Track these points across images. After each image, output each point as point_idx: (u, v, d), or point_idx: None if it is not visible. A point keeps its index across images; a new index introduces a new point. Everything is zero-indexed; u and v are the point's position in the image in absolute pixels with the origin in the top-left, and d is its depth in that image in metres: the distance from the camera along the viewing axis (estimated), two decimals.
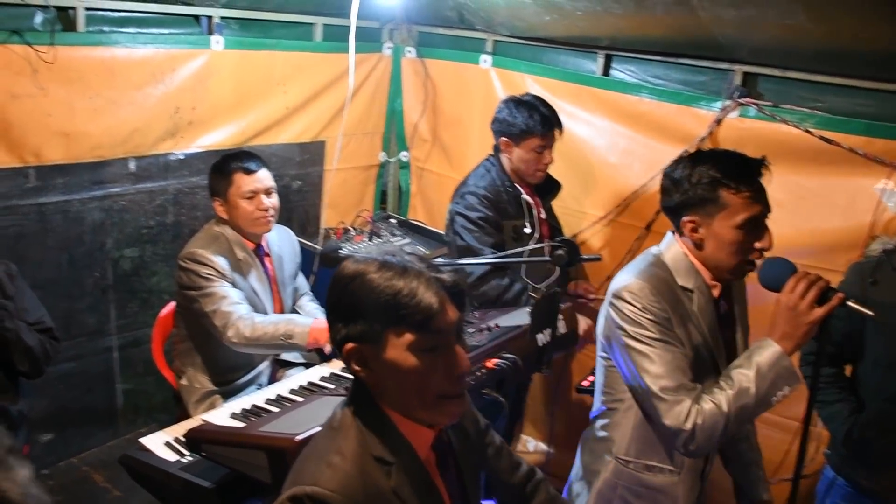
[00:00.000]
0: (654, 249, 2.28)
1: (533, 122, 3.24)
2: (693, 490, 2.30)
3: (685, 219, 2.16)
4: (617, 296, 2.17)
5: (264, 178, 3.08)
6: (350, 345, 1.51)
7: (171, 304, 3.39)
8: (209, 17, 3.81)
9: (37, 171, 3.35)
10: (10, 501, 0.85)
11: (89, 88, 3.42)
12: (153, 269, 3.90)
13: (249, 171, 3.04)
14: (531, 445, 4.23)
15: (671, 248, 2.23)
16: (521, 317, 2.79)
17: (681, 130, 3.43)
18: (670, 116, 3.48)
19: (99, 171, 3.57)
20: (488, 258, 3.07)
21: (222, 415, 2.40)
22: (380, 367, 1.50)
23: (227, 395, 3.11)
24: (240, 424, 2.27)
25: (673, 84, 3.54)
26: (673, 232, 2.26)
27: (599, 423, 2.38)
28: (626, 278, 2.18)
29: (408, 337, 1.46)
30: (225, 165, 3.09)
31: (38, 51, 3.16)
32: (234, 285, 3.02)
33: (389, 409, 1.55)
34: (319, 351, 3.09)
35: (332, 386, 2.55)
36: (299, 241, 3.56)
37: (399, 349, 1.47)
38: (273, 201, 3.12)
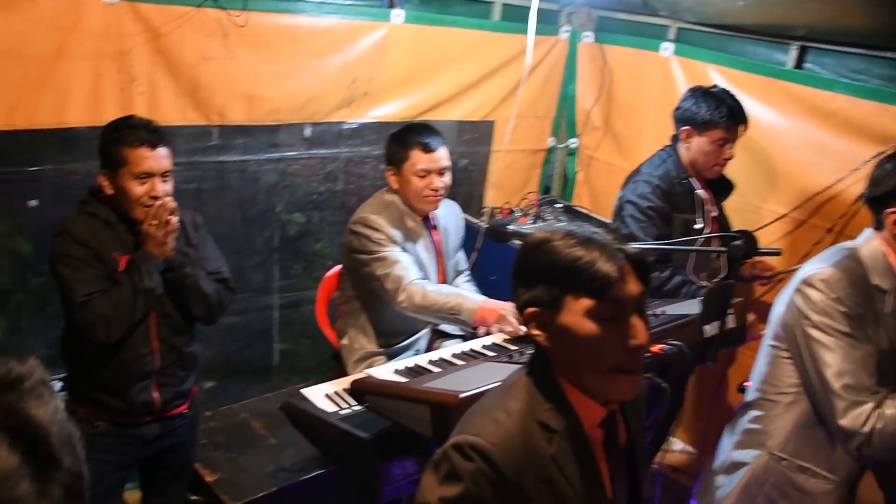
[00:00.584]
0: (848, 244, 2.15)
1: (718, 113, 3.12)
2: (843, 502, 2.16)
3: (889, 210, 2.00)
4: (807, 283, 2.05)
5: (441, 157, 3.10)
6: (531, 308, 1.57)
7: (337, 267, 3.47)
8: None
9: (220, 130, 3.51)
10: (38, 424, 0.88)
11: (273, 54, 3.54)
12: (318, 234, 4.01)
13: (428, 150, 3.07)
14: (677, 446, 4.09)
15: (869, 243, 2.09)
16: (689, 307, 2.69)
17: (878, 130, 3.19)
18: (868, 115, 3.24)
19: (276, 134, 3.70)
20: (661, 244, 2.96)
21: (386, 370, 2.47)
22: (557, 332, 1.53)
23: (388, 357, 3.18)
24: (403, 380, 2.32)
25: (874, 80, 3.29)
26: (873, 228, 2.10)
27: (752, 413, 2.27)
28: (819, 266, 2.05)
29: (585, 303, 1.49)
30: (405, 137, 3.12)
31: (231, 15, 3.30)
32: (404, 252, 3.07)
33: (563, 379, 1.57)
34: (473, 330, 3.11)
35: (493, 353, 2.57)
36: (464, 218, 3.57)
37: (576, 314, 1.50)
38: (445, 181, 3.14)
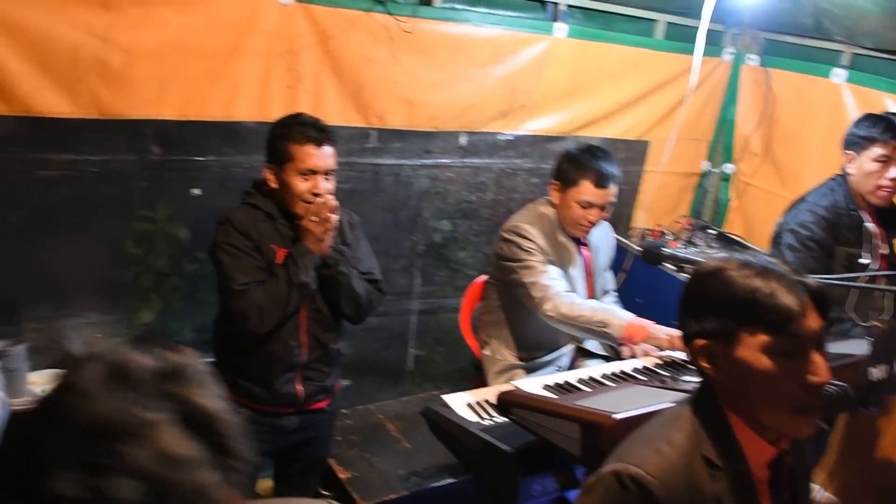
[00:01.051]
0: None
1: (877, 128, 2.97)
2: None
3: None
4: None
5: (610, 194, 3.04)
6: (701, 341, 1.49)
7: (483, 276, 3.47)
8: (555, 4, 3.84)
9: (378, 133, 3.57)
10: (207, 412, 0.88)
11: (435, 61, 3.58)
12: (464, 243, 4.01)
13: (601, 185, 3.00)
14: (819, 495, 3.86)
15: None
16: (854, 346, 2.54)
17: None
18: None
19: (432, 140, 3.73)
20: (820, 278, 2.80)
21: (534, 384, 2.45)
22: (729, 367, 1.45)
23: (528, 370, 3.14)
24: (552, 396, 2.30)
25: None
26: None
27: None
28: None
29: (762, 338, 1.41)
30: (582, 161, 3.04)
31: (399, 20, 3.34)
32: (553, 264, 3.03)
33: (732, 414, 1.49)
34: (615, 350, 3.04)
35: (644, 377, 2.52)
36: (616, 238, 3.50)
37: (752, 349, 1.42)
38: (605, 215, 3.11)
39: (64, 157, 3.05)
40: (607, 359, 3.19)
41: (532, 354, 3.19)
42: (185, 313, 3.47)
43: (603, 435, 1.88)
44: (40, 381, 3.16)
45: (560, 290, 2.93)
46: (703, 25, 3.65)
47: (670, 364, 2.66)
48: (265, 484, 3.28)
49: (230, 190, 3.27)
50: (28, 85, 2.90)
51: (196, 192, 3.30)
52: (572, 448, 2.00)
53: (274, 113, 2.99)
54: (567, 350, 3.26)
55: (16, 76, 2.87)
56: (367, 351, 3.93)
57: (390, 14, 3.34)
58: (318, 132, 2.61)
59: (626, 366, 2.66)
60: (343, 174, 3.47)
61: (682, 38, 4.10)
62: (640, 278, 3.84)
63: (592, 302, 3.02)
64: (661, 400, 1.96)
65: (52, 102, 2.95)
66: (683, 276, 3.74)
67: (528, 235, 3.02)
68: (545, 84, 3.89)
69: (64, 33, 2.88)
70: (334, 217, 2.60)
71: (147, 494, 0.78)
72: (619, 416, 1.91)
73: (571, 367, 3.26)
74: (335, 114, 3.38)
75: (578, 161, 3.04)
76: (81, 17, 2.88)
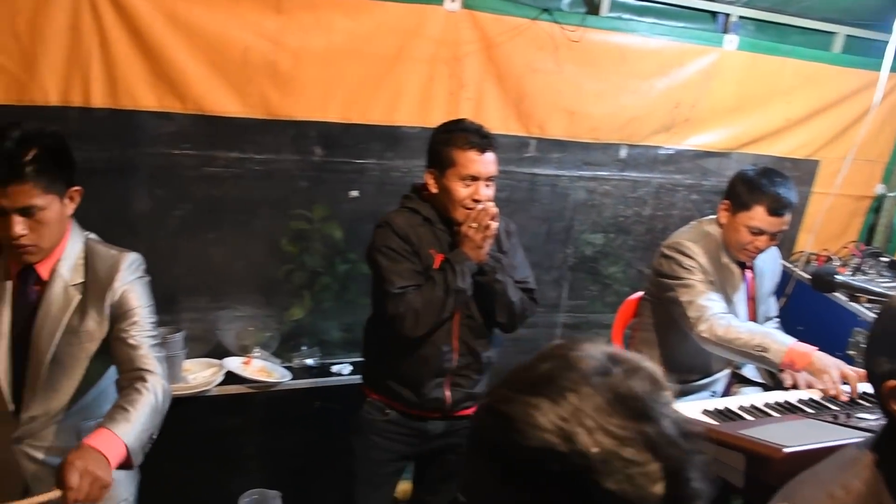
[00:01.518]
0: None
1: None
2: None
3: None
4: None
5: (784, 223, 2.88)
6: (892, 382, 1.36)
7: (638, 293, 3.36)
8: (727, 15, 3.69)
9: (538, 142, 3.51)
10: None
11: (600, 72, 3.50)
12: (616, 257, 3.91)
13: (776, 213, 2.84)
14: None
15: None
16: None
17: None
18: None
19: (591, 152, 3.65)
20: None
21: (693, 408, 2.35)
22: None
23: (681, 394, 3.00)
24: (713, 422, 2.20)
25: None
26: None
27: None
28: None
29: None
30: (758, 187, 2.87)
31: (565, 29, 3.28)
32: (712, 285, 2.90)
33: None
34: (774, 377, 2.88)
35: (812, 410, 2.37)
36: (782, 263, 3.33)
37: None
38: (774, 243, 2.95)
39: (231, 156, 3.15)
40: (765, 388, 3.03)
41: (684, 377, 3.05)
42: (334, 312, 3.53)
43: (771, 468, 1.79)
44: (194, 369, 3.28)
45: (717, 311, 2.79)
46: (894, 39, 3.40)
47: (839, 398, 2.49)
48: (404, 487, 3.28)
49: (387, 194, 3.30)
50: (202, 85, 3.01)
51: (354, 194, 3.34)
52: (734, 479, 1.91)
53: (435, 119, 2.98)
54: (722, 375, 3.12)
55: (191, 76, 2.98)
56: (511, 361, 3.82)
57: (557, 23, 3.29)
58: (481, 138, 2.58)
59: (791, 396, 2.51)
60: (500, 182, 3.40)
61: (861, 52, 3.87)
62: (803, 305, 3.64)
63: (751, 324, 2.86)
64: (834, 437, 1.84)
65: (223, 102, 3.05)
66: (854, 307, 3.52)
67: (689, 253, 2.90)
68: (711, 97, 3.74)
69: (237, 35, 2.98)
70: (494, 224, 2.56)
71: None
72: (789, 450, 1.81)
73: (726, 393, 3.12)
74: (496, 121, 3.35)
75: (754, 184, 2.88)
76: (254, 19, 2.98)
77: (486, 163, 2.58)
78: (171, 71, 2.95)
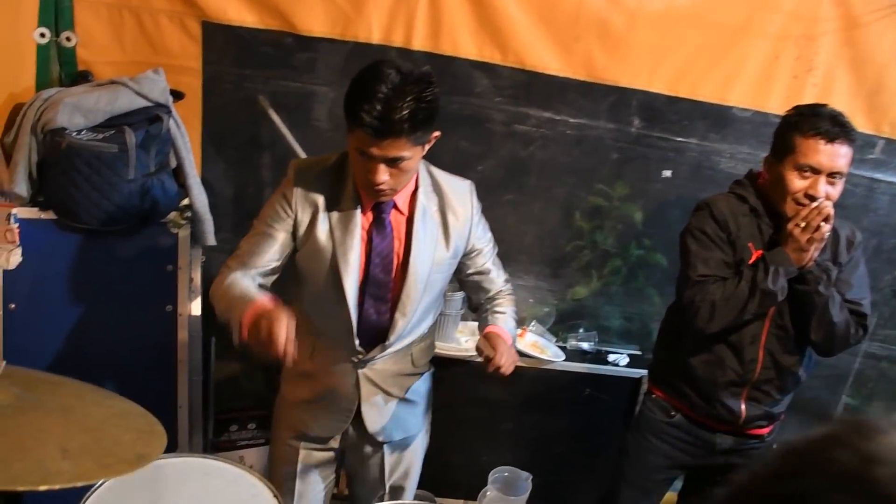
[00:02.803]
0: None
1: None
2: None
3: None
4: None
5: None
6: None
7: None
8: None
9: (885, 143, 3.05)
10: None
11: None
12: None
13: None
14: None
15: None
16: None
17: None
18: None
19: None
20: None
21: None
22: None
23: None
24: None
25: None
26: None
27: None
28: None
29: None
30: None
31: None
32: None
33: None
34: None
35: None
36: None
37: None
38: None
39: (543, 115, 2.99)
40: None
41: None
42: (619, 298, 3.31)
43: None
44: (466, 332, 3.18)
45: None
46: None
47: None
48: (670, 498, 2.99)
49: (703, 179, 3.01)
50: (526, 38, 2.86)
51: (666, 174, 3.08)
52: None
53: (772, 103, 2.67)
54: None
55: (517, 27, 2.84)
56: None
57: None
58: (833, 126, 2.19)
59: None
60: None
61: None
62: None
63: None
64: None
65: (546, 58, 2.89)
66: None
67: None
68: None
69: None
70: (826, 227, 2.19)
71: None
72: None
73: None
74: None
75: None
76: None
77: (832, 155, 2.19)
78: (498, 20, 2.82)
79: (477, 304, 2.30)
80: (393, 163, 1.85)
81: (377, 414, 2.21)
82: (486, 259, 2.23)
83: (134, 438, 1.30)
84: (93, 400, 1.38)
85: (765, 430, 2.53)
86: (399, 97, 1.76)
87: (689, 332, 2.41)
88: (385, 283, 2.07)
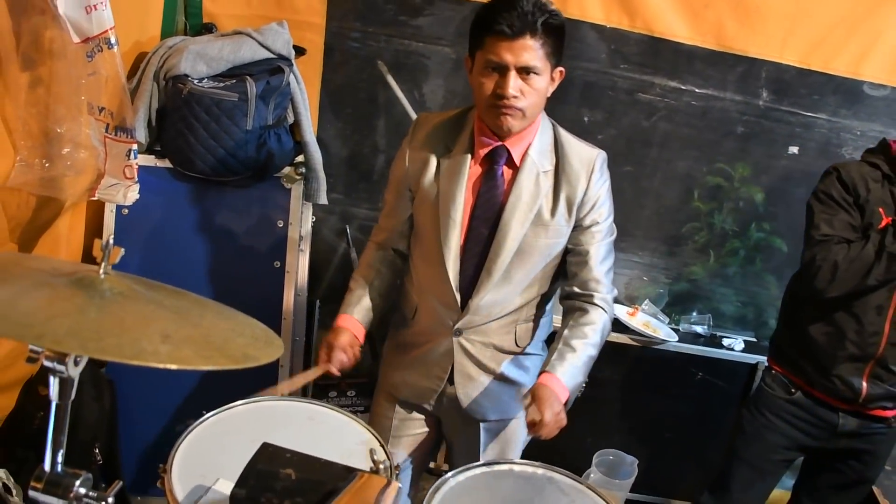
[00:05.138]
0: None
1: None
2: None
3: None
4: None
5: None
6: None
7: None
8: None
9: None
10: None
11: None
12: None
13: None
14: None
15: None
16: None
17: None
18: None
19: None
20: None
21: None
22: None
23: None
24: None
25: None
26: None
27: None
28: None
29: None
30: None
31: None
32: None
33: None
34: None
35: None
36: None
37: None
38: None
39: (669, 84, 2.92)
40: None
41: None
42: (734, 282, 3.20)
43: None
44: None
45: None
46: None
47: None
48: (779, 495, 2.82)
49: (832, 157, 2.91)
50: (656, 3, 2.81)
51: (793, 150, 2.97)
52: None
53: None
54: None
55: None
56: None
57: None
58: None
59: None
60: None
61: None
62: None
63: None
64: None
65: (674, 25, 2.83)
66: None
67: None
68: None
69: None
70: None
71: None
72: None
73: None
74: None
75: None
76: None
77: None
78: None
79: (566, 294, 2.05)
80: (525, 72, 1.79)
81: (470, 386, 2.09)
82: (590, 240, 1.98)
83: (246, 342, 1.23)
84: (213, 309, 1.34)
85: (890, 413, 2.39)
86: (538, 9, 1.75)
87: (809, 299, 2.33)
88: (484, 238, 1.97)
